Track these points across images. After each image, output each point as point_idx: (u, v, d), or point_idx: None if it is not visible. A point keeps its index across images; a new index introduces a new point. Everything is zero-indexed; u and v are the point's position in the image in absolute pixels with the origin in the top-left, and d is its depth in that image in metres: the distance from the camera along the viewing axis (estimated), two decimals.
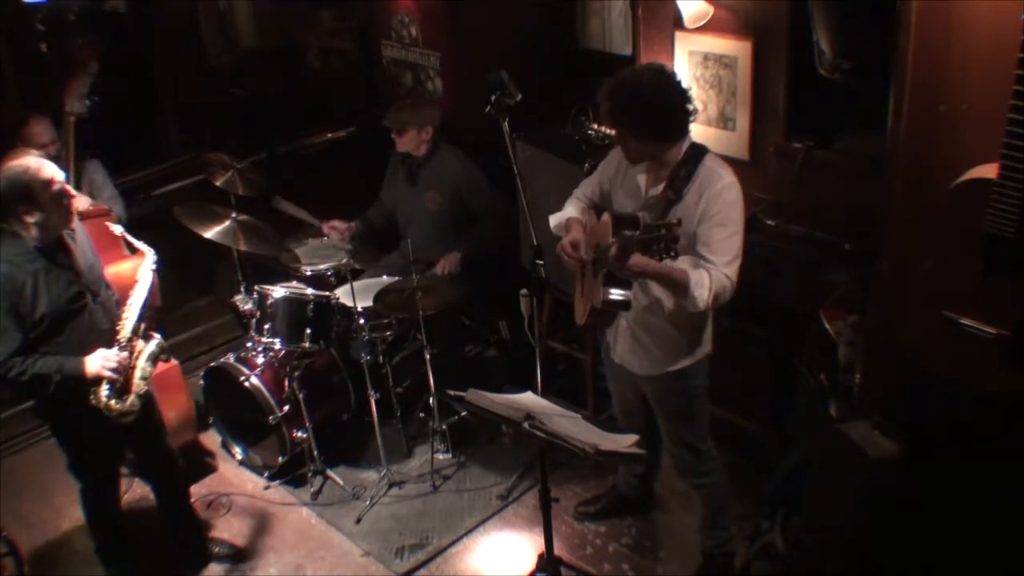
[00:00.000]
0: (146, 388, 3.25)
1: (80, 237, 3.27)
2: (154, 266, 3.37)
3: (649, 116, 2.82)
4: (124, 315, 3.24)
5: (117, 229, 3.46)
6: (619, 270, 2.80)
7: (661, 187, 2.95)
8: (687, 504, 3.77)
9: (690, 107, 2.87)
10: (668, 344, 3.11)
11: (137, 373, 3.23)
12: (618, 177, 3.12)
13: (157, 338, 3.32)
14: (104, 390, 3.13)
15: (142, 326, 3.28)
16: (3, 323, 3.00)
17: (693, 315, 2.96)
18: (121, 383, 3.18)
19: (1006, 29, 2.31)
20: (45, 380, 3.06)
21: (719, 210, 2.84)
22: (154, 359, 3.30)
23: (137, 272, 3.38)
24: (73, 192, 3.13)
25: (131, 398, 3.20)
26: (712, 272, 2.83)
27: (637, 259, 2.74)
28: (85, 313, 3.15)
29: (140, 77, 5.63)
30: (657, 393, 3.25)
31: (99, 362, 3.11)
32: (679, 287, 2.83)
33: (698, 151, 2.94)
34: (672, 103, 2.83)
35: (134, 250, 4.16)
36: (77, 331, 3.14)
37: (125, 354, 3.18)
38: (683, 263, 2.90)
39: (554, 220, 3.27)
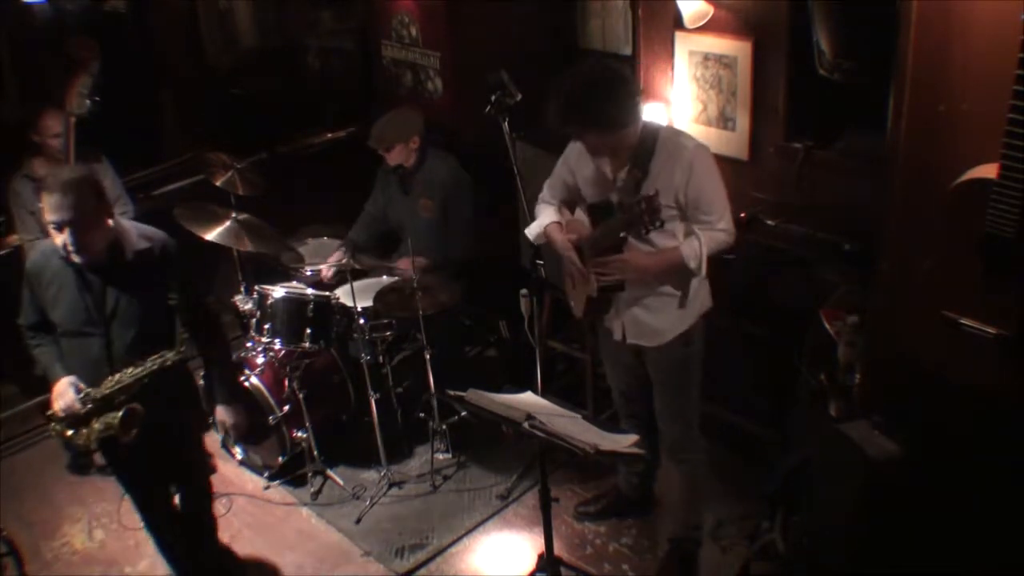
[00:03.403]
0: (94, 441, 3.06)
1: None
2: None
3: (604, 109, 2.87)
4: (114, 376, 2.99)
5: None
6: (620, 271, 3.00)
7: (627, 168, 3.02)
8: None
9: (636, 89, 2.97)
10: (670, 310, 3.17)
11: (91, 431, 3.04)
12: (581, 168, 3.18)
13: (120, 414, 2.98)
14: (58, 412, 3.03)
15: (121, 397, 3.00)
16: (26, 295, 3.06)
17: (686, 275, 3.07)
18: (70, 422, 3.03)
19: (1006, 29, 2.30)
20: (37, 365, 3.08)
21: (697, 174, 2.97)
22: (107, 426, 3.00)
23: None
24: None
25: (80, 437, 3.06)
26: (704, 235, 3.01)
27: (634, 261, 2.97)
28: (89, 342, 3.01)
29: (140, 77, 5.63)
30: (662, 364, 3.27)
31: (57, 395, 2.99)
32: (678, 266, 3.03)
33: (652, 127, 3.05)
34: (617, 90, 2.88)
35: None
36: (82, 351, 3.03)
37: (78, 407, 2.98)
38: (677, 233, 3.05)
39: (532, 231, 3.30)
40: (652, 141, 3.00)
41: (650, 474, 3.80)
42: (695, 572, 3.53)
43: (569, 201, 3.29)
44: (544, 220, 3.26)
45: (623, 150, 3.00)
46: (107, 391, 3.00)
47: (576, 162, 3.19)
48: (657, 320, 3.18)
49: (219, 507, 4.10)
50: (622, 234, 2.97)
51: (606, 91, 2.86)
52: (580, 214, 3.21)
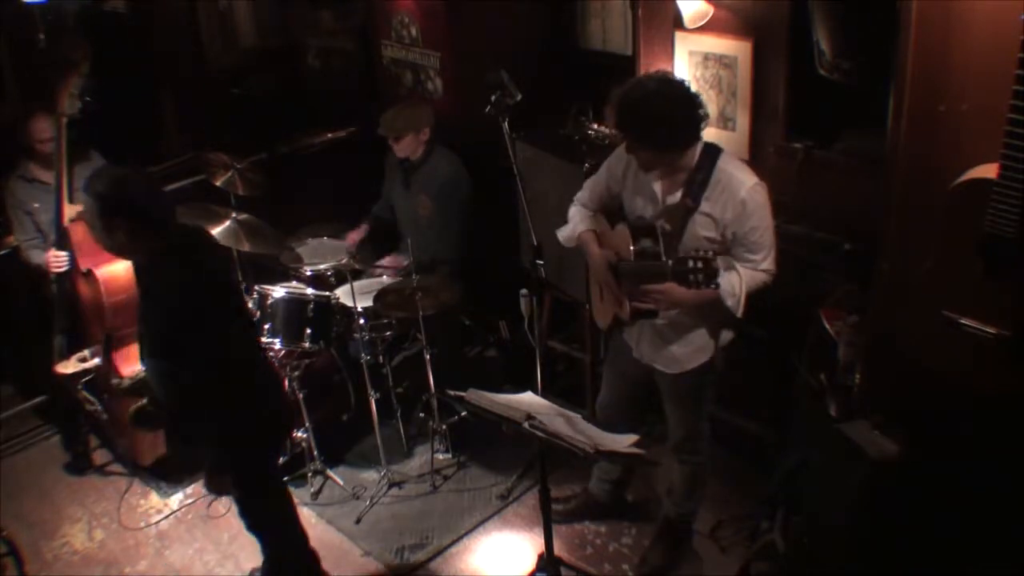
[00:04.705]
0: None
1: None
2: None
3: (659, 128, 2.80)
4: None
5: None
6: (656, 301, 2.91)
7: (679, 195, 2.94)
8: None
9: (701, 112, 2.85)
10: (696, 341, 3.14)
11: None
12: (629, 180, 3.10)
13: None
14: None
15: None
16: None
17: (720, 310, 2.97)
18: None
19: (1006, 29, 2.31)
20: None
21: (749, 214, 2.87)
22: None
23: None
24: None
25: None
26: (745, 273, 2.90)
27: (673, 294, 2.85)
28: None
29: (140, 77, 5.63)
30: (679, 386, 3.25)
31: None
32: (715, 302, 2.91)
33: (712, 152, 2.93)
34: (680, 112, 2.80)
35: None
36: None
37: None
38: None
39: (563, 233, 3.26)
40: (709, 169, 2.89)
41: (624, 480, 3.80)
42: (684, 551, 3.58)
43: (608, 206, 3.19)
44: (579, 226, 3.21)
45: (676, 172, 2.94)
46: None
47: (624, 172, 3.10)
48: (678, 349, 3.15)
49: (219, 507, 4.12)
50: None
51: (664, 109, 2.77)
52: (621, 228, 3.06)
